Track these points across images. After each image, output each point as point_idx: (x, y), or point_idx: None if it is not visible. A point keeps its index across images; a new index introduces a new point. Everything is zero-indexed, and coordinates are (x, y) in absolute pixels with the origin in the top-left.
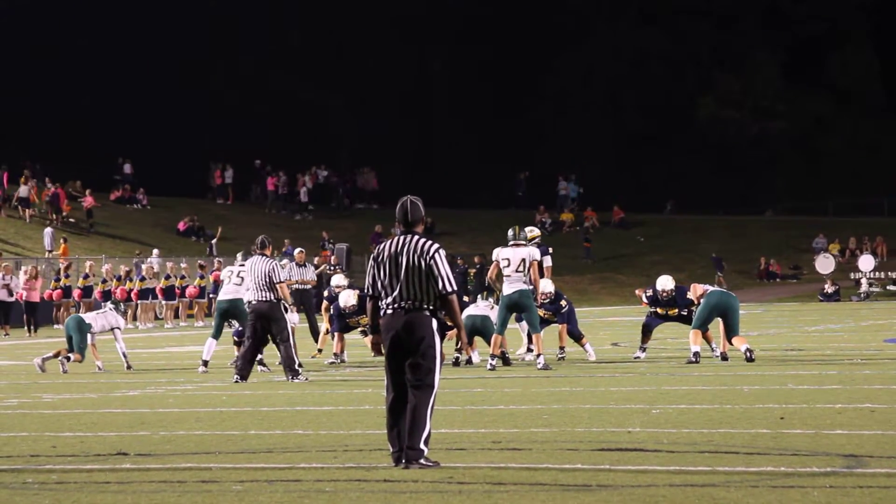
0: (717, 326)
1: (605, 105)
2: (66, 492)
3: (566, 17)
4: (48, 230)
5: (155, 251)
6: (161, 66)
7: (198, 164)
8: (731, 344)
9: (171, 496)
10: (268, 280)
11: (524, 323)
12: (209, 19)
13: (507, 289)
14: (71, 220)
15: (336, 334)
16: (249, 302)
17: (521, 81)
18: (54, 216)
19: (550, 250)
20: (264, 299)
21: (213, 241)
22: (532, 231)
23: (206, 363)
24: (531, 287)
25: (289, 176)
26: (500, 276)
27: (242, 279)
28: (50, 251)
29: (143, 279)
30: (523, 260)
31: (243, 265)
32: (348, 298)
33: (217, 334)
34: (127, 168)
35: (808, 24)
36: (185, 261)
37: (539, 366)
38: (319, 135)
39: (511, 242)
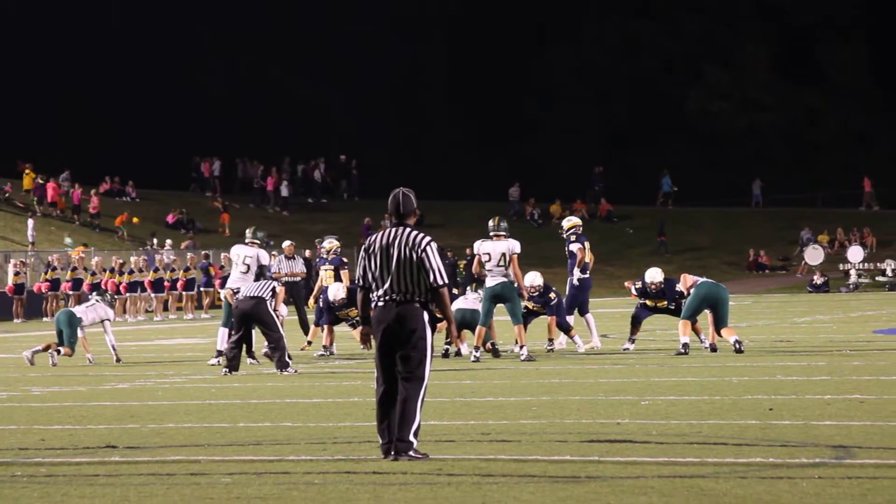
0: (706, 317)
1: (595, 97)
2: (55, 485)
3: (557, 9)
4: (30, 222)
5: (168, 241)
6: (154, 60)
7: (189, 157)
8: (719, 335)
9: (160, 489)
10: (268, 288)
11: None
12: (203, 12)
13: (490, 281)
14: (54, 213)
15: (325, 327)
16: (236, 295)
17: (513, 74)
18: (70, 213)
19: (586, 243)
20: (251, 295)
21: (154, 238)
22: (570, 220)
23: (220, 353)
24: (513, 279)
25: (292, 168)
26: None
27: (248, 267)
28: (32, 243)
29: (131, 272)
30: (503, 254)
31: (248, 243)
32: (337, 292)
33: (227, 322)
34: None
35: (799, 16)
36: (175, 253)
37: (522, 357)
38: (311, 128)
39: (491, 234)
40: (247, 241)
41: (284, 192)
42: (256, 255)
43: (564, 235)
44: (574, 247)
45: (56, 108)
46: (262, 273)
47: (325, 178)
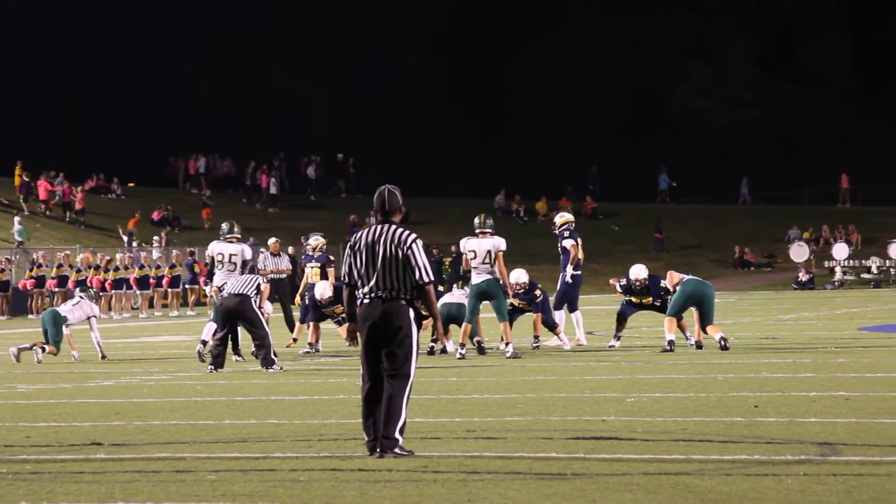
0: (692, 314)
1: (581, 95)
2: (40, 482)
3: (541, 6)
4: (17, 219)
5: (155, 238)
6: (153, 59)
7: (172, 154)
8: (705, 333)
9: (146, 486)
10: (252, 284)
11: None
12: (202, 12)
13: (476, 278)
14: (40, 210)
15: (311, 324)
16: (221, 292)
17: (497, 70)
18: (68, 212)
19: (579, 240)
20: (235, 293)
21: (128, 236)
22: (563, 216)
23: (204, 343)
24: (498, 276)
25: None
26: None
27: (235, 265)
28: (20, 241)
29: (117, 269)
30: (489, 252)
31: (228, 239)
32: (324, 290)
33: (216, 317)
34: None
35: (782, 12)
36: (160, 250)
37: (508, 354)
38: (295, 125)
39: (477, 231)
40: (227, 236)
41: (273, 189)
42: (241, 251)
43: (557, 231)
44: (567, 243)
45: (56, 107)
46: (246, 266)
47: (318, 175)
